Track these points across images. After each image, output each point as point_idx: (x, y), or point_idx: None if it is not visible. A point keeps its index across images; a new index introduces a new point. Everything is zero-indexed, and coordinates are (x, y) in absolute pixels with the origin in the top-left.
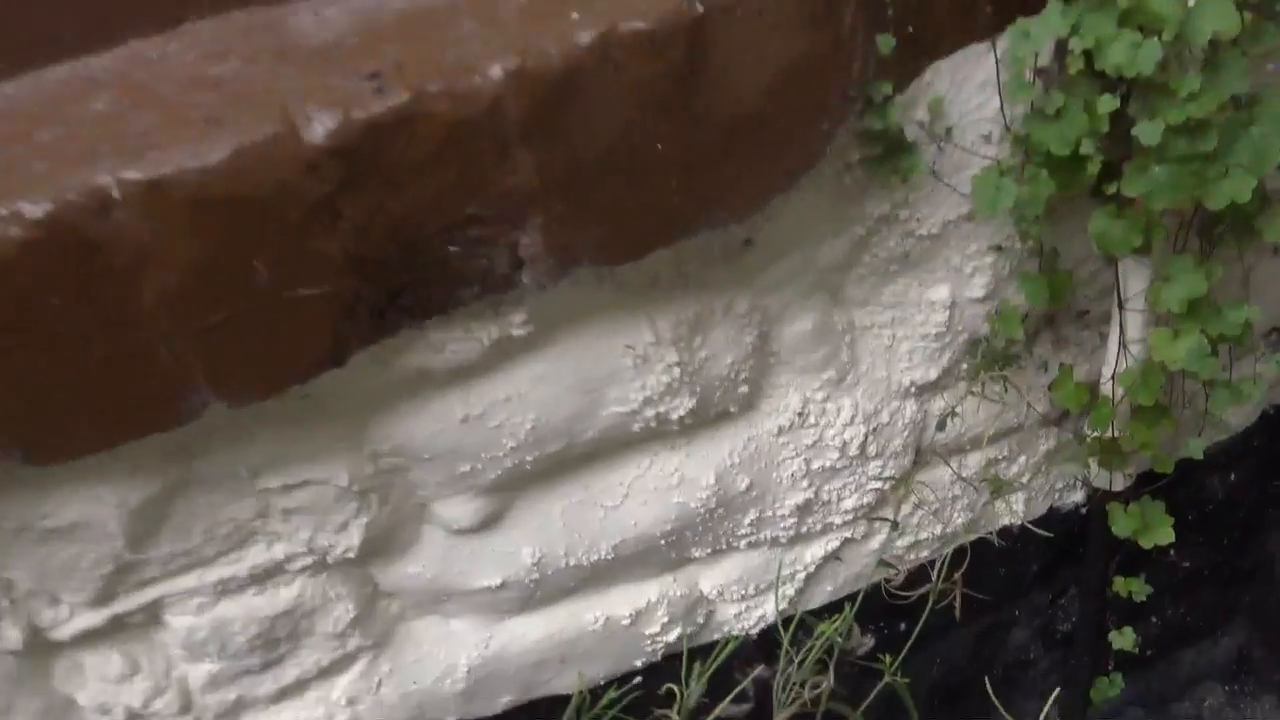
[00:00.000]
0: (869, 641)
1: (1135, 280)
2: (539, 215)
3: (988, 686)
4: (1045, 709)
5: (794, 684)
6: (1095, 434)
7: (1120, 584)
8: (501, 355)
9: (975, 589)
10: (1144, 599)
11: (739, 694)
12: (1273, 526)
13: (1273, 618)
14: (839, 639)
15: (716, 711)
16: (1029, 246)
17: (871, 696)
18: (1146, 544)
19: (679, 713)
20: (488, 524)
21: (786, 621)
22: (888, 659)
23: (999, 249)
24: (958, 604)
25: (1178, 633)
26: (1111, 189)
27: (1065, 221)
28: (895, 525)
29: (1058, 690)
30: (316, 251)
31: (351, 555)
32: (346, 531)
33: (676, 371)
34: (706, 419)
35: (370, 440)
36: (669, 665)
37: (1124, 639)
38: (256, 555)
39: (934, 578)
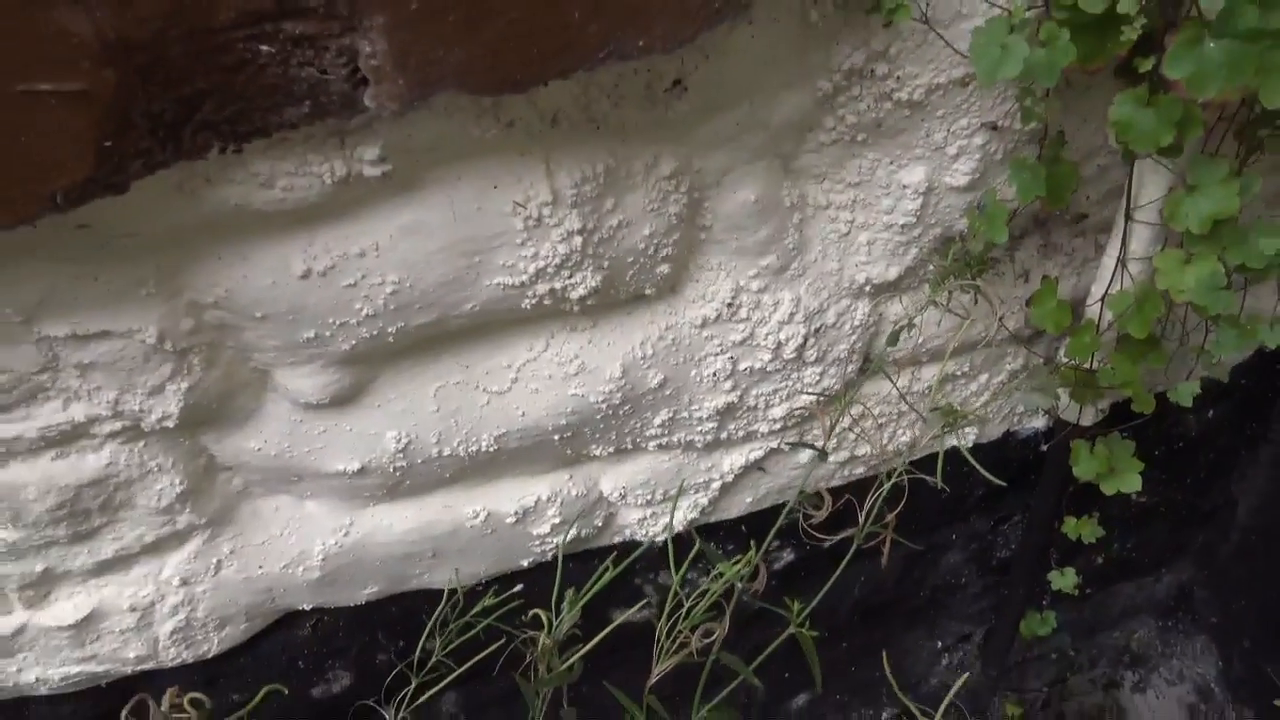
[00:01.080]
0: (770, 580)
1: (1151, 186)
2: (380, 13)
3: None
4: (975, 636)
5: (681, 630)
6: (1071, 362)
7: (1071, 526)
8: (353, 199)
9: (911, 514)
10: (1094, 541)
11: (642, 604)
12: (1242, 468)
13: (1223, 561)
14: (739, 580)
15: (618, 620)
16: (1030, 129)
17: (773, 647)
18: (1109, 490)
19: (548, 633)
20: (342, 400)
21: (699, 531)
22: (795, 606)
23: (994, 127)
24: (886, 550)
25: (1119, 568)
26: (1146, 66)
27: (1078, 102)
28: (824, 454)
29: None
30: (58, 28)
31: (170, 425)
32: (162, 396)
33: (578, 241)
34: (616, 301)
35: (187, 289)
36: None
37: (1064, 579)
38: (50, 415)
39: (861, 519)
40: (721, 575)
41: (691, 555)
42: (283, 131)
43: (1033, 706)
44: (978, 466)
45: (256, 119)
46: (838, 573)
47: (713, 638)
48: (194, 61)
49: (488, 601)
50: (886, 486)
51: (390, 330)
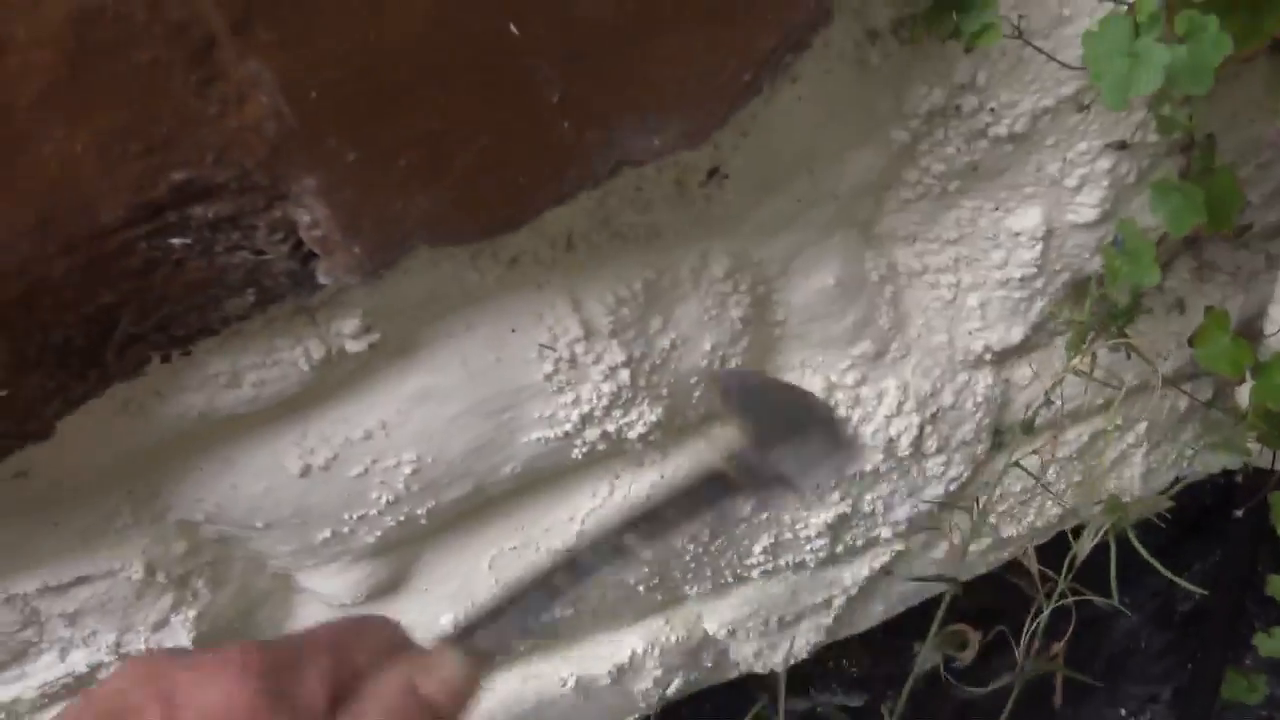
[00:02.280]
0: None
1: None
2: (308, 174)
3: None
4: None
5: None
6: (1259, 405)
7: (1276, 585)
8: (343, 377)
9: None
10: None
11: None
12: None
13: None
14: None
15: None
16: (1172, 140)
17: None
18: None
19: None
20: (382, 592)
21: (822, 653)
22: None
23: (1122, 146)
24: (1059, 688)
25: None
26: None
27: (1223, 94)
28: (955, 582)
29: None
30: None
31: None
32: (169, 629)
33: (625, 375)
34: (686, 426)
35: (171, 510)
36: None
37: (1274, 643)
38: (47, 669)
39: (1019, 655)
40: None
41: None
42: (236, 324)
43: None
44: (1161, 568)
45: (192, 320)
46: None
47: None
48: (89, 275)
49: None
50: (1046, 613)
51: (419, 513)
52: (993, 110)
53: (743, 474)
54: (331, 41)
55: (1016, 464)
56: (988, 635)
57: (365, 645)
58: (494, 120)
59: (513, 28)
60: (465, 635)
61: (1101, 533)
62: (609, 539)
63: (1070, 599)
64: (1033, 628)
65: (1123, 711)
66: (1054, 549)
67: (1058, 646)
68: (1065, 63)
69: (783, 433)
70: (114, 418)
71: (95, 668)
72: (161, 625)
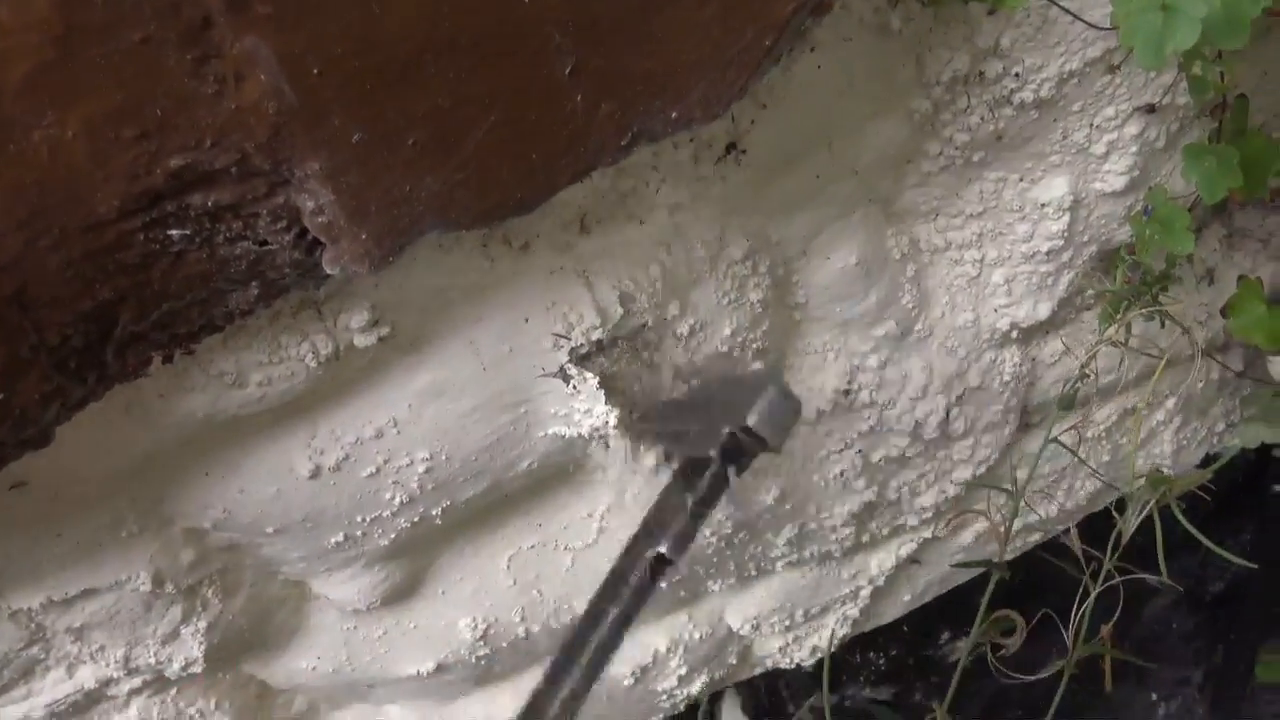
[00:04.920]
0: None
1: None
2: (313, 158)
3: None
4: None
5: None
6: None
7: None
8: (353, 374)
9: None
10: None
11: None
12: None
13: None
14: None
15: None
16: (1203, 102)
17: None
18: None
19: None
20: (398, 597)
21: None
22: None
23: (1151, 109)
24: (1107, 671)
25: None
26: None
27: (1255, 52)
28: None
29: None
30: None
31: (197, 670)
32: (179, 641)
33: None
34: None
35: (178, 518)
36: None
37: None
38: (55, 686)
39: (1070, 639)
40: None
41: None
42: (241, 320)
43: None
44: (1206, 541)
45: (195, 316)
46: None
47: None
48: (85, 269)
49: None
50: (1094, 595)
51: (434, 512)
52: (1017, 75)
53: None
54: (332, 15)
55: (1055, 440)
56: (1031, 620)
57: None
58: (504, 95)
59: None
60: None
61: (1146, 509)
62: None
63: (1117, 579)
64: (1082, 609)
65: (1154, 696)
66: (1084, 531)
67: (1106, 628)
68: (1092, 23)
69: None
70: (116, 422)
71: (104, 683)
72: (172, 638)
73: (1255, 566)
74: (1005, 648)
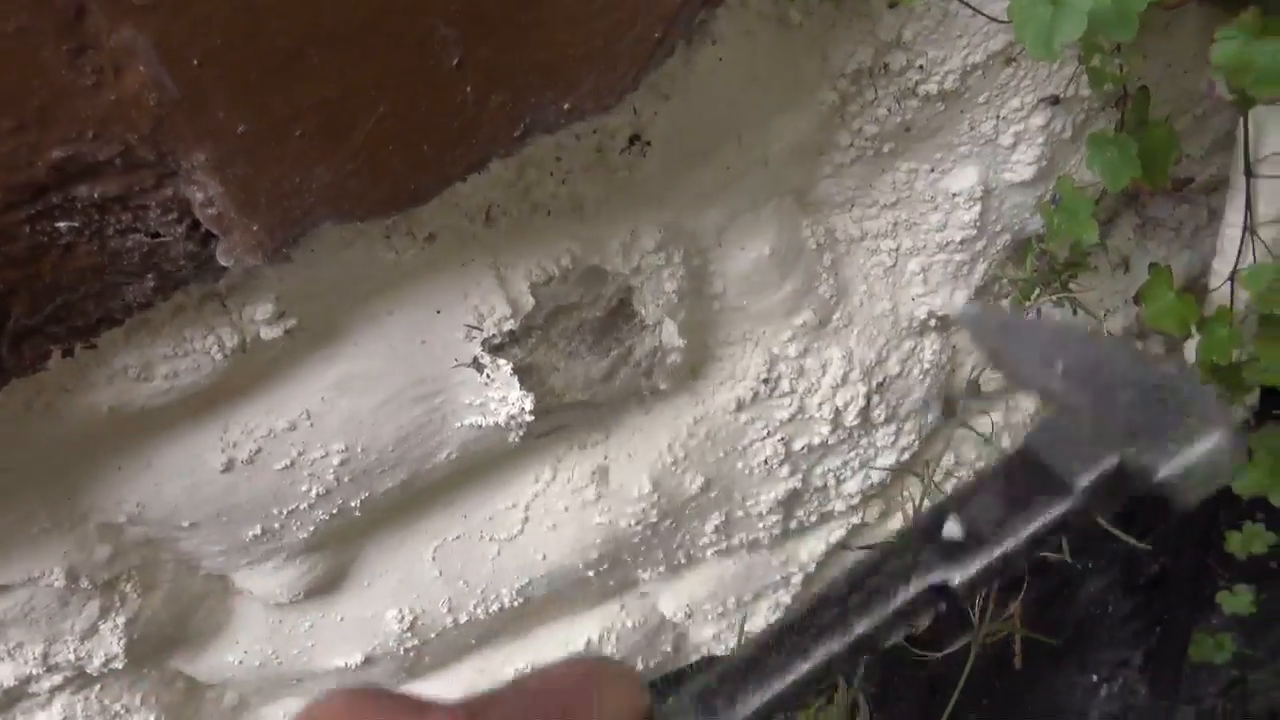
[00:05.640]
0: None
1: (1274, 133)
2: (198, 149)
3: None
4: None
5: None
6: (1208, 361)
7: (1237, 542)
8: (262, 366)
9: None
10: (1265, 550)
11: None
12: None
13: None
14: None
15: None
16: (1105, 91)
17: None
18: (1279, 501)
19: None
20: (322, 589)
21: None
22: None
23: (1055, 101)
24: (1018, 652)
25: None
26: None
27: (1156, 43)
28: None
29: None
30: None
31: (119, 665)
32: (98, 637)
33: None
34: (624, 406)
35: (92, 513)
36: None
37: (1237, 600)
38: None
39: (976, 619)
40: None
41: None
42: (137, 314)
43: (1212, 715)
44: (1120, 534)
45: (90, 309)
46: (956, 696)
47: None
48: None
49: None
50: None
51: (353, 504)
52: (921, 68)
53: None
54: (212, 4)
55: (965, 425)
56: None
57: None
58: (392, 86)
59: None
60: None
61: None
62: None
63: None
64: (988, 590)
65: (1094, 678)
66: None
67: (1014, 605)
68: (992, 16)
69: None
70: (19, 417)
71: (24, 681)
72: (90, 634)
73: (1149, 548)
74: (914, 628)
